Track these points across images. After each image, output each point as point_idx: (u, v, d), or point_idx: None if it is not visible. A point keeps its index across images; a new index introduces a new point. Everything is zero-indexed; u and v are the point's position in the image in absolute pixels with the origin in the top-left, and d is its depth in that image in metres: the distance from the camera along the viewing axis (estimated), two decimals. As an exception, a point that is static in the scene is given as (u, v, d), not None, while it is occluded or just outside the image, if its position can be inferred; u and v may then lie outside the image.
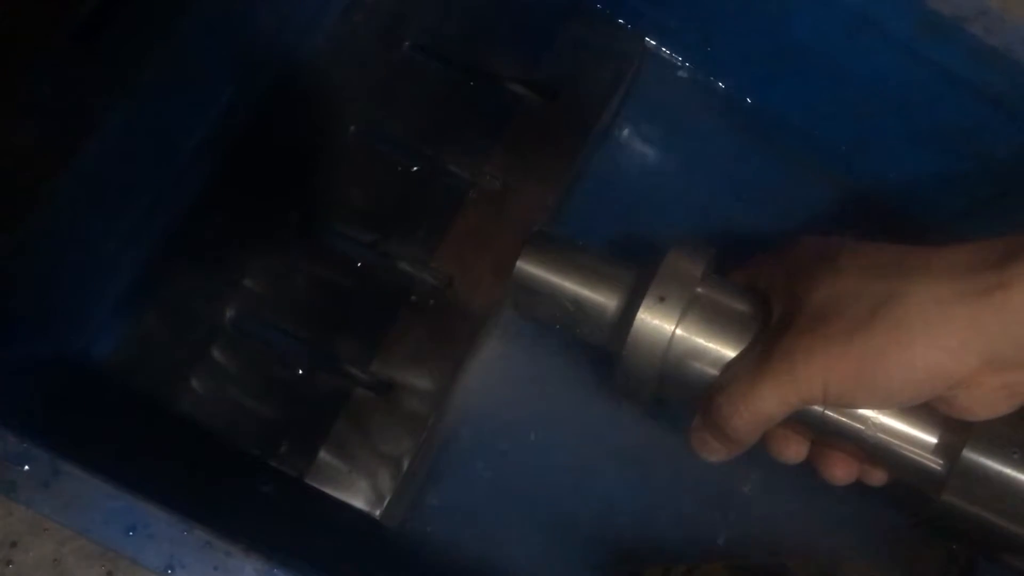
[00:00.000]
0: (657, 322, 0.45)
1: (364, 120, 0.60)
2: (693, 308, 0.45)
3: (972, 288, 0.38)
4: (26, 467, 0.37)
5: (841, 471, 0.45)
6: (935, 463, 0.43)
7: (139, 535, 0.36)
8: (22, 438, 0.37)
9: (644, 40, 0.63)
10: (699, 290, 0.46)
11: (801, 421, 0.43)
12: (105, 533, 0.36)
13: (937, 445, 0.42)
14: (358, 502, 0.52)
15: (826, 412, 0.43)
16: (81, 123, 0.46)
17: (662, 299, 0.45)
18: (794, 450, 0.45)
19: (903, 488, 0.45)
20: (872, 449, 0.43)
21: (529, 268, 0.49)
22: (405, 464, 0.53)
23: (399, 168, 0.59)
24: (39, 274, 0.48)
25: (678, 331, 0.45)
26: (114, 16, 0.44)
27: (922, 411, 0.42)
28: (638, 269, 0.48)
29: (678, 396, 0.47)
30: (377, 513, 0.52)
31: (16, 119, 0.43)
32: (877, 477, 0.45)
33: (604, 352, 0.49)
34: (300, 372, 0.55)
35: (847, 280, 0.40)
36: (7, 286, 0.46)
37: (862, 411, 0.43)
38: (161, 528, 0.36)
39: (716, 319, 0.45)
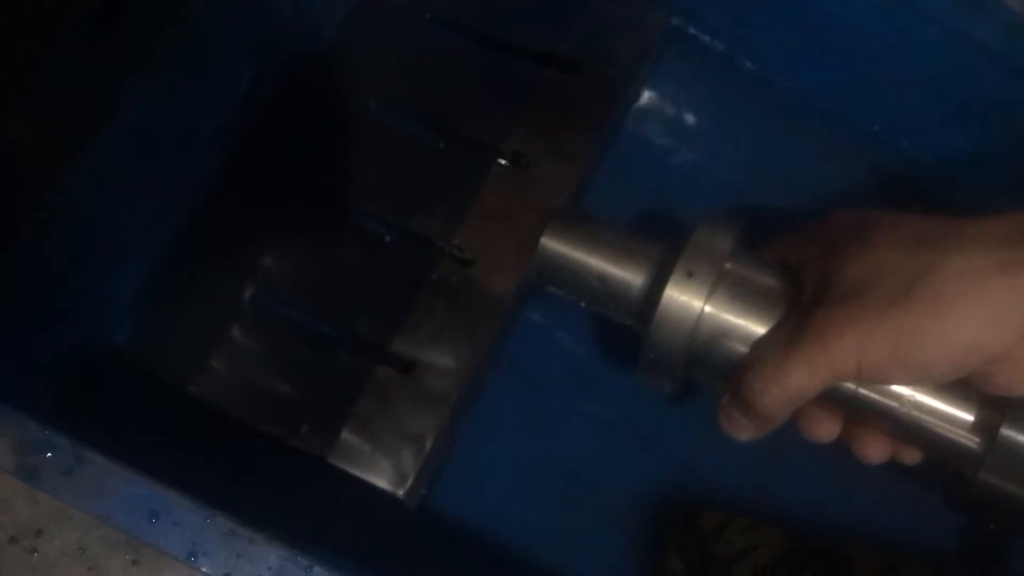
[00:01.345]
0: (685, 298, 0.44)
1: (385, 96, 0.59)
2: (722, 284, 0.44)
3: (1010, 259, 0.37)
4: (48, 454, 0.37)
5: (875, 450, 0.44)
6: (972, 441, 0.42)
7: (162, 522, 0.36)
8: (44, 425, 0.37)
9: (671, 16, 0.62)
10: (728, 265, 0.45)
11: (833, 399, 0.42)
12: (128, 520, 0.36)
13: (974, 423, 0.41)
14: (381, 482, 0.52)
15: (859, 389, 0.42)
16: (100, 106, 0.46)
17: (690, 275, 0.44)
18: (826, 428, 0.44)
19: (939, 467, 0.44)
20: (907, 427, 0.42)
21: (554, 244, 0.49)
22: (428, 443, 0.52)
23: (420, 144, 0.58)
24: (59, 260, 0.48)
25: (707, 308, 0.44)
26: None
27: (958, 388, 0.41)
28: (665, 245, 0.47)
29: (707, 376, 0.46)
30: (400, 493, 0.52)
31: (35, 102, 0.43)
32: (912, 456, 0.44)
33: (631, 329, 0.48)
34: (322, 352, 0.55)
35: (881, 253, 0.40)
36: (28, 273, 0.46)
37: (896, 388, 0.42)
38: (184, 515, 0.36)
39: (746, 295, 0.44)
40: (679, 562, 0.55)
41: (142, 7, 0.46)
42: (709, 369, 0.45)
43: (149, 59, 0.48)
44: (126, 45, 0.47)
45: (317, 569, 0.36)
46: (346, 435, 0.52)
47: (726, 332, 0.44)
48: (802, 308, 0.42)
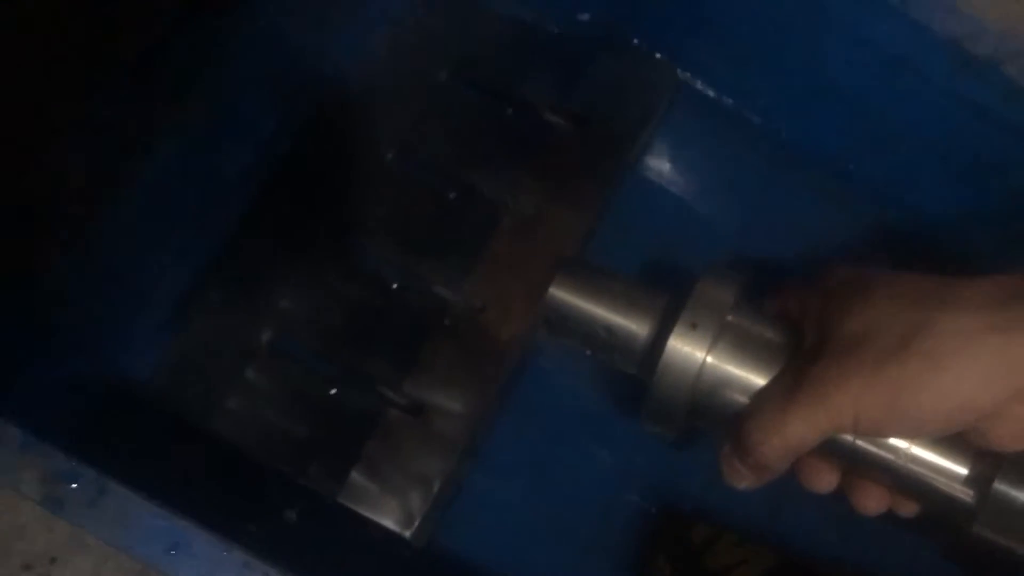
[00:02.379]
0: (688, 349, 0.45)
1: (401, 146, 0.61)
2: (724, 336, 0.45)
3: (1004, 319, 0.37)
4: (74, 485, 0.37)
5: (872, 501, 0.44)
6: (966, 494, 0.42)
7: (181, 554, 0.37)
8: (70, 456, 0.37)
9: (679, 72, 0.63)
10: (730, 318, 0.45)
11: (832, 450, 0.43)
12: (148, 551, 0.37)
13: (968, 476, 0.42)
14: (389, 522, 0.53)
15: (857, 442, 0.42)
16: (135, 151, 0.47)
17: (694, 326, 0.45)
18: (825, 480, 0.45)
19: (934, 519, 0.44)
20: (903, 479, 0.43)
21: (561, 294, 0.50)
22: (436, 485, 0.53)
23: (435, 194, 0.60)
24: (87, 295, 0.49)
25: (709, 359, 0.44)
26: (169, 48, 0.46)
27: (953, 442, 0.42)
28: (669, 296, 0.48)
29: (708, 424, 0.46)
30: (408, 533, 0.53)
31: (74, 146, 0.44)
32: (908, 508, 0.45)
33: (635, 377, 0.49)
34: (334, 393, 0.56)
35: (880, 309, 0.40)
36: (56, 307, 0.47)
37: (893, 441, 0.42)
38: (202, 547, 0.37)
39: (747, 347, 0.45)
40: (666, 565, 0.55)
41: (178, 57, 0.47)
42: (711, 418, 0.46)
43: (184, 106, 0.49)
44: (163, 92, 0.48)
45: (327, 603, 0.37)
46: (355, 476, 0.53)
47: (727, 382, 0.44)
48: (802, 360, 0.42)
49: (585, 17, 0.63)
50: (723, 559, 0.55)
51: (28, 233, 0.44)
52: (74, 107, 0.44)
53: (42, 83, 0.42)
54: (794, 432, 0.41)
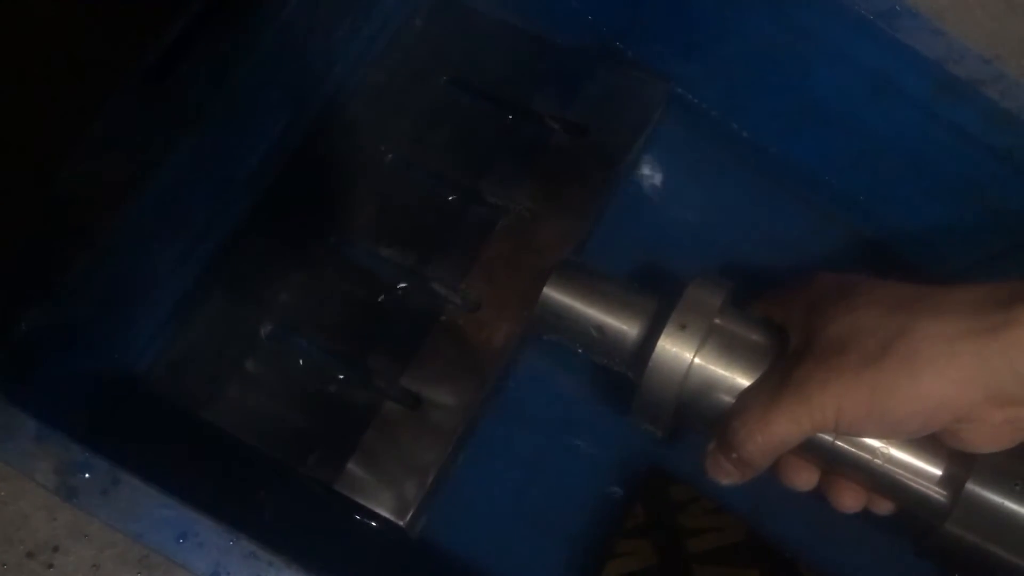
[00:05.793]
0: (677, 350, 0.45)
1: (402, 149, 0.61)
2: (712, 338, 0.45)
3: (979, 326, 0.38)
4: (87, 475, 0.37)
5: (850, 499, 0.45)
6: (939, 494, 0.43)
7: (189, 543, 0.37)
8: (84, 447, 0.37)
9: (671, 86, 0.63)
10: (718, 321, 0.46)
11: (812, 450, 0.43)
12: (157, 540, 0.37)
13: (942, 477, 0.42)
14: (384, 510, 0.52)
15: (836, 441, 0.43)
16: (152, 154, 0.47)
17: (683, 327, 0.45)
18: (805, 478, 0.45)
19: (909, 518, 0.44)
20: (880, 479, 0.43)
21: (555, 294, 0.50)
22: (431, 476, 0.53)
23: (434, 195, 0.60)
24: (98, 294, 0.49)
25: (697, 360, 0.45)
26: (184, 56, 0.45)
27: (928, 443, 0.42)
28: (659, 299, 0.48)
29: (695, 423, 0.47)
30: (403, 522, 0.52)
31: (90, 152, 0.44)
32: (884, 506, 0.45)
33: (625, 376, 0.49)
34: (333, 386, 0.56)
35: (861, 315, 0.41)
36: (73, 305, 0.46)
37: (871, 441, 0.43)
38: (210, 537, 0.37)
39: (734, 349, 0.45)
40: (643, 513, 0.56)
41: (194, 64, 0.47)
42: (697, 416, 0.46)
43: (197, 112, 0.49)
44: (177, 99, 0.48)
45: (327, 591, 0.37)
46: (352, 466, 0.53)
47: (714, 382, 0.45)
48: (786, 363, 0.43)
49: (583, 30, 0.64)
50: (696, 521, 0.56)
51: (49, 236, 0.44)
52: (93, 117, 0.43)
53: (62, 93, 0.42)
54: (777, 430, 0.41)
